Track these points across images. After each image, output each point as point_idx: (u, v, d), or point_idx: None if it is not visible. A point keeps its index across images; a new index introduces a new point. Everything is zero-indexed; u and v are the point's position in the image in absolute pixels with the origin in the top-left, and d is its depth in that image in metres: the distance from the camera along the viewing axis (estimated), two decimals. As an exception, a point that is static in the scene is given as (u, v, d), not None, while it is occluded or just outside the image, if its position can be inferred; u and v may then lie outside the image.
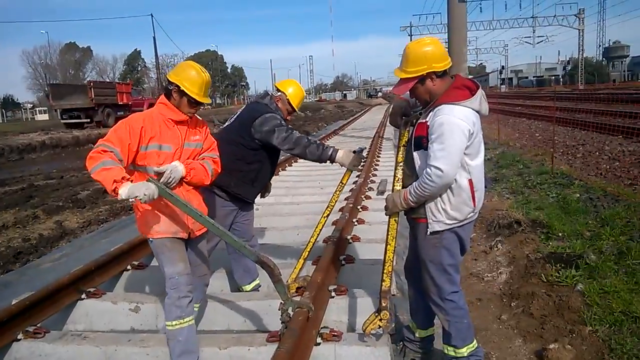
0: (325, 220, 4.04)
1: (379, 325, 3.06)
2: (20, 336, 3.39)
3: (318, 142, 3.86)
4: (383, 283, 3.10)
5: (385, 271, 3.09)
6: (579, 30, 61.22)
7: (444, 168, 2.58)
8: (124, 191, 2.64)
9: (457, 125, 2.61)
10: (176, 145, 3.04)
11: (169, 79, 3.01)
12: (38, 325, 3.53)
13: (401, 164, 2.92)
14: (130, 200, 2.67)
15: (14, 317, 3.41)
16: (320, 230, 4.07)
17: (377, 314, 3.08)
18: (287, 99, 3.97)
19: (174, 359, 3.05)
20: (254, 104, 4.06)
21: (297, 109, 4.06)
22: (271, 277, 3.08)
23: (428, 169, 2.64)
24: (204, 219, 2.92)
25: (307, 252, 4.08)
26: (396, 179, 2.94)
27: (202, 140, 3.23)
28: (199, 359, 3.12)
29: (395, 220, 2.99)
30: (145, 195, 2.65)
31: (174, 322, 3.04)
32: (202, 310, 3.81)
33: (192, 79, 2.97)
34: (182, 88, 2.95)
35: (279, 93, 4.00)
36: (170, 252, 3.07)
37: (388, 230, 3.02)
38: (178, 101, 3.01)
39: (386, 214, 3.00)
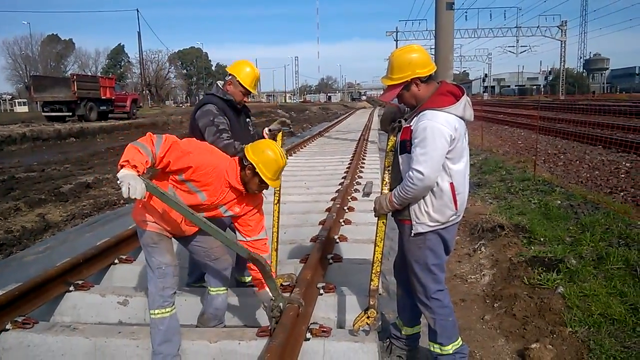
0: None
1: (367, 323, 3.16)
2: (8, 326, 3.39)
3: (235, 145, 3.67)
4: (372, 283, 3.21)
5: (373, 271, 3.19)
6: (561, 41, 62.29)
7: (425, 172, 2.68)
8: (121, 173, 2.61)
9: (439, 130, 2.69)
10: (211, 201, 3.07)
11: (247, 155, 3.01)
12: (27, 315, 3.53)
13: (389, 168, 3.02)
14: (119, 181, 2.59)
15: (3, 307, 3.40)
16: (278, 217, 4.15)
17: (365, 312, 3.17)
18: (238, 81, 3.84)
19: (155, 347, 3.10)
20: (203, 97, 4.05)
21: (251, 90, 3.92)
22: (262, 273, 3.14)
23: (410, 172, 2.73)
24: (195, 217, 2.90)
25: (275, 244, 4.12)
26: (384, 182, 3.04)
27: (240, 214, 3.23)
28: (180, 348, 3.17)
29: (383, 222, 3.10)
30: (129, 187, 2.54)
31: (156, 311, 3.10)
32: (192, 305, 3.84)
33: (269, 163, 2.99)
34: (257, 170, 2.97)
35: (230, 77, 3.88)
36: (158, 244, 3.13)
37: (377, 232, 3.12)
38: (249, 178, 3.02)
39: (375, 216, 3.09)
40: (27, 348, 3.32)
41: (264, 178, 2.99)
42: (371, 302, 3.20)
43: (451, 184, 2.80)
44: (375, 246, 3.17)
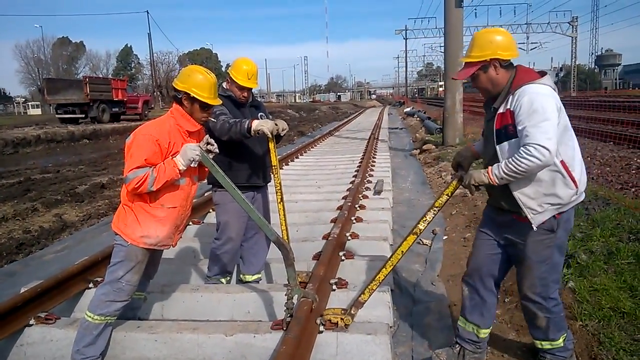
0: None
1: (338, 323, 3.24)
2: (32, 322, 3.50)
3: (236, 120, 3.76)
4: (362, 295, 3.24)
5: (369, 287, 3.22)
6: (572, 37, 61.66)
7: (548, 145, 2.42)
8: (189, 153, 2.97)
9: (546, 99, 2.52)
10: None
11: (176, 87, 3.05)
12: (49, 311, 3.64)
13: (437, 208, 2.94)
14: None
15: (27, 303, 3.53)
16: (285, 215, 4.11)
17: (344, 312, 3.26)
18: (231, 78, 3.95)
19: (80, 347, 3.14)
20: None
21: (244, 84, 3.91)
22: (285, 260, 3.28)
23: (528, 147, 2.45)
24: (235, 191, 3.10)
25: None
26: (424, 219, 2.97)
27: None
28: (102, 355, 3.22)
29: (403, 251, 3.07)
30: (194, 158, 2.96)
31: (95, 317, 3.13)
32: (208, 301, 3.93)
33: (200, 84, 3.02)
34: (192, 95, 3.01)
35: (229, 76, 4.01)
36: (137, 263, 3.16)
37: (393, 254, 3.12)
38: (190, 108, 3.07)
39: (465, 186, 2.77)
40: (50, 342, 3.43)
41: (202, 99, 3.02)
42: (352, 312, 3.26)
43: (561, 161, 2.60)
44: (383, 267, 3.17)
